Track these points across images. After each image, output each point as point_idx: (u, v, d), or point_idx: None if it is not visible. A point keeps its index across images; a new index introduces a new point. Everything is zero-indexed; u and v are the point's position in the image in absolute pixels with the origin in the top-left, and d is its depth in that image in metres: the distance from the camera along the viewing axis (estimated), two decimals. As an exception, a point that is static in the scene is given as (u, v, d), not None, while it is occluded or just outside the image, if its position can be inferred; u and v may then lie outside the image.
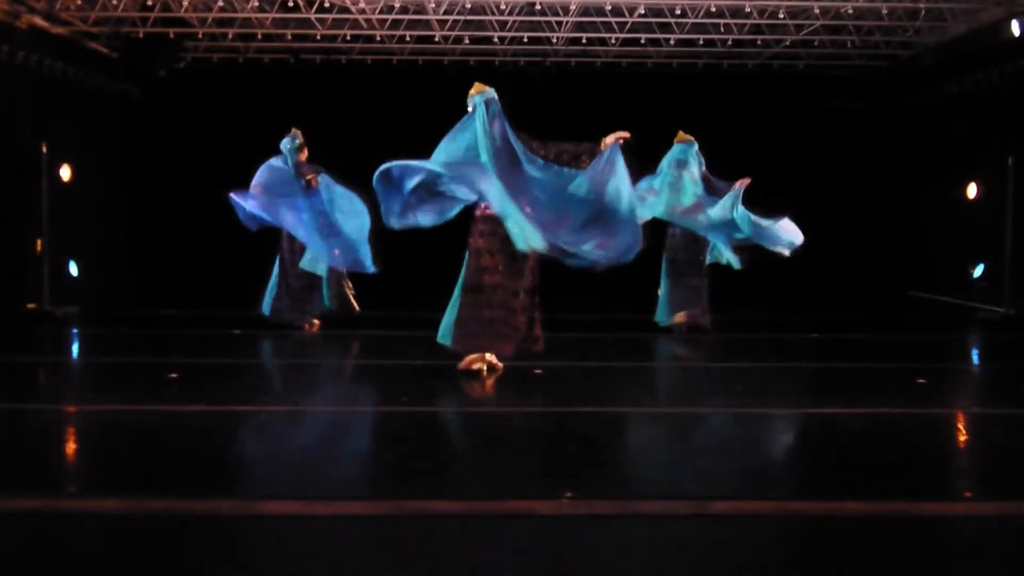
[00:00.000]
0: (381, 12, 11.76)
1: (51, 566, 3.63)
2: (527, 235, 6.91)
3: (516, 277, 7.18)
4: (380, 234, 8.66)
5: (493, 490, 4.58)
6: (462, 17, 11.87)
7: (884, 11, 11.66)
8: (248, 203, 9.28)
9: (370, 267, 9.41)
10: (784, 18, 11.80)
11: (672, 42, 12.67)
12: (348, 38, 12.74)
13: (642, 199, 9.07)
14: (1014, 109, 11.20)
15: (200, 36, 12.44)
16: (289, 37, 12.76)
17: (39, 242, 10.75)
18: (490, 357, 7.29)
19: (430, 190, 7.12)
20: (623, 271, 9.43)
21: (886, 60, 13.67)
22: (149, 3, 11.53)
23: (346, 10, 11.65)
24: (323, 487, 4.64)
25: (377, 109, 13.87)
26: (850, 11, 11.64)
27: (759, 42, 12.77)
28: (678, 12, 11.60)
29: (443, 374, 7.22)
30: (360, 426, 6.16)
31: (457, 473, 5.02)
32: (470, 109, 7.02)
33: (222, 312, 10.74)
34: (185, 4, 11.42)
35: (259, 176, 9.43)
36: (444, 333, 7.32)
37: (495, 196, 6.90)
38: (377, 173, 6.97)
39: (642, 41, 12.78)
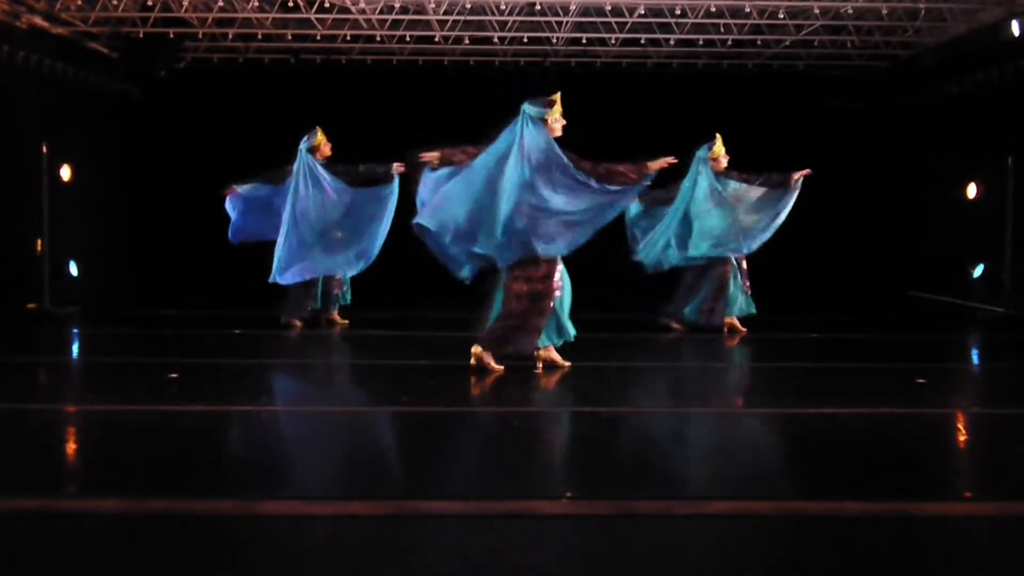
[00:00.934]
0: (381, 12, 11.75)
1: (51, 566, 3.63)
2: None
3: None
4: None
5: (493, 490, 4.59)
6: (462, 17, 11.86)
7: (884, 11, 11.65)
8: (234, 214, 9.67)
9: (359, 268, 9.63)
10: (784, 18, 11.79)
11: (672, 42, 12.66)
12: (348, 38, 12.73)
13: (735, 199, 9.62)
14: (1014, 109, 11.19)
15: (200, 36, 12.43)
16: (289, 37, 12.75)
17: (39, 242, 10.75)
18: (489, 359, 7.31)
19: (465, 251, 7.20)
20: (624, 272, 9.45)
21: (886, 60, 13.66)
22: (149, 3, 11.52)
23: (346, 10, 11.65)
24: (323, 487, 4.64)
25: (377, 109, 13.87)
26: (850, 11, 11.62)
27: (759, 42, 12.77)
28: (678, 12, 11.59)
29: (443, 374, 7.22)
30: (360, 426, 6.16)
31: (457, 473, 5.03)
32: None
33: (222, 312, 10.74)
34: (185, 4, 11.42)
35: (244, 202, 9.71)
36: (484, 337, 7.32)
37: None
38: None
39: (642, 41, 12.77)
